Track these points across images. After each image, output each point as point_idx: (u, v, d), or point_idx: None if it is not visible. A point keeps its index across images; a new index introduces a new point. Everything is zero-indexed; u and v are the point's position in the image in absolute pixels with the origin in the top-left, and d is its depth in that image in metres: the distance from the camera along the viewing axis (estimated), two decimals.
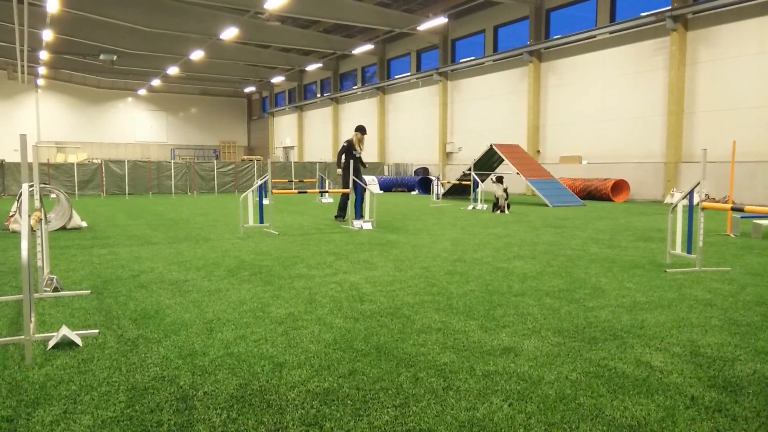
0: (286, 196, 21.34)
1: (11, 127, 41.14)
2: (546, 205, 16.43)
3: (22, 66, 33.07)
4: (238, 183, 26.37)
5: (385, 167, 32.27)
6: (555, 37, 23.02)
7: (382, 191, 26.14)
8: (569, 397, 2.80)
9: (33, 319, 3.47)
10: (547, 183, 17.64)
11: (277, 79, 41.27)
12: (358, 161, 11.74)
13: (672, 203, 7.04)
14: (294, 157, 43.50)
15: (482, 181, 16.45)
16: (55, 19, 24.52)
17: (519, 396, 2.81)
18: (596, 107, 21.58)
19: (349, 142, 11.73)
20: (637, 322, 4.17)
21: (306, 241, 8.72)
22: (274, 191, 10.78)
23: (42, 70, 38.71)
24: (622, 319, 4.23)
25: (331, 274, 6.07)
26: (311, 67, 36.62)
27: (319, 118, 40.93)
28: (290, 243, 8.54)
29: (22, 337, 3.46)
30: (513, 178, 21.67)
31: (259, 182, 10.62)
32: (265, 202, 11.11)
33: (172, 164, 25.17)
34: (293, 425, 2.50)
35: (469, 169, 17.63)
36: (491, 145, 18.35)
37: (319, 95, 41.01)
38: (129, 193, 23.60)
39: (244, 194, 10.27)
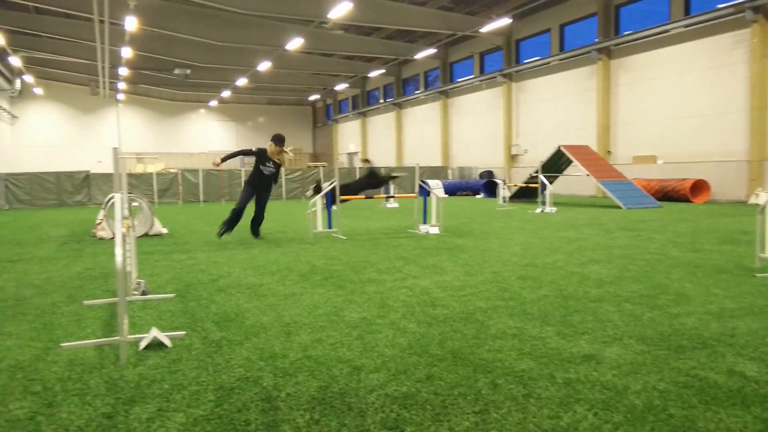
0: (352, 201, 21.62)
1: (94, 139, 43.86)
2: (618, 207, 15.84)
3: (104, 82, 35.21)
4: (305, 189, 26.94)
5: (449, 171, 32.10)
6: (625, 33, 22.21)
7: (447, 195, 26.01)
8: (658, 407, 2.69)
9: (126, 321, 3.68)
10: (620, 184, 17.01)
11: (341, 87, 41.95)
12: (268, 178, 9.62)
13: (758, 204, 6.62)
14: (358, 162, 44.02)
15: (551, 183, 16.05)
16: (133, 36, 25.98)
17: (604, 405, 2.73)
18: (671, 105, 20.62)
19: (262, 151, 9.49)
20: (727, 329, 3.95)
21: (374, 246, 8.80)
22: (341, 197, 10.96)
23: (122, 85, 41.05)
24: (710, 327, 4.02)
25: (401, 278, 6.09)
26: (374, 74, 36.99)
27: (382, 123, 41.26)
28: (359, 248, 8.64)
29: (117, 338, 3.68)
30: (582, 180, 21.05)
31: (327, 189, 10.82)
32: (333, 207, 11.29)
33: (243, 172, 26.03)
34: (375, 428, 2.53)
35: (536, 172, 17.27)
36: (559, 147, 17.89)
37: (381, 101, 41.35)
38: (203, 201, 24.59)
39: (313, 200, 10.49)
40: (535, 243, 8.84)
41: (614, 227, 11.00)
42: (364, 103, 43.71)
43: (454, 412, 2.68)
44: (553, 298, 5.00)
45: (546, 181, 15.84)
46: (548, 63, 25.67)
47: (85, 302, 5.10)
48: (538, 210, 15.25)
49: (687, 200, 18.24)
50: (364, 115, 43.64)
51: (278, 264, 7.20)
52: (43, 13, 25.95)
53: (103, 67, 30.47)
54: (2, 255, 8.40)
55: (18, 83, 38.18)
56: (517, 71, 27.64)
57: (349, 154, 46.15)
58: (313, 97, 48.97)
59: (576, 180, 22.29)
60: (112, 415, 2.71)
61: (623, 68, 22.44)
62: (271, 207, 20.81)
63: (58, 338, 3.98)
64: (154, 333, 3.77)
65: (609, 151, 22.94)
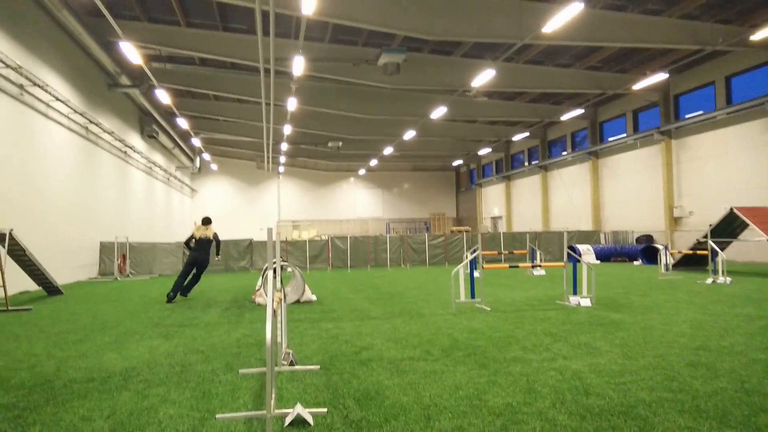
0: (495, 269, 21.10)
1: (257, 208, 48.31)
2: None
3: (268, 157, 38.97)
4: (448, 254, 26.95)
5: (601, 235, 30.23)
6: None
7: (598, 261, 24.41)
8: None
9: (273, 394, 3.81)
10: None
11: (484, 151, 42.07)
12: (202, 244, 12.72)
13: None
14: (502, 227, 43.31)
15: (722, 249, 14.35)
16: (293, 115, 28.60)
17: None
18: None
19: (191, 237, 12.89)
20: None
21: (519, 319, 8.40)
22: (484, 266, 10.73)
23: (282, 159, 45.07)
24: None
25: (550, 358, 5.69)
26: (518, 138, 36.67)
27: (527, 186, 40.44)
28: (503, 320, 8.29)
29: (264, 412, 3.81)
30: (763, 245, 18.67)
31: (471, 257, 10.67)
32: (476, 275, 11.07)
33: (388, 238, 26.80)
34: None
35: (705, 237, 15.58)
36: (731, 209, 16.06)
37: (526, 164, 40.69)
38: (350, 266, 25.58)
39: (455, 269, 10.38)
40: (706, 321, 7.84)
41: None
42: (508, 166, 43.34)
43: None
44: (733, 392, 4.31)
45: (717, 248, 14.18)
46: (714, 117, 23.56)
47: (241, 371, 5.40)
48: (709, 280, 13.62)
49: None
50: (508, 178, 43.17)
51: (420, 336, 7.12)
52: (220, 100, 29.66)
53: (269, 144, 33.84)
54: (177, 319, 9.32)
55: (198, 161, 43.63)
56: (676, 128, 25.71)
57: (493, 218, 45.63)
58: (456, 163, 49.66)
59: (755, 246, 19.76)
60: None
61: None
62: (415, 273, 20.96)
63: (214, 408, 4.22)
64: (299, 410, 3.85)
65: None
